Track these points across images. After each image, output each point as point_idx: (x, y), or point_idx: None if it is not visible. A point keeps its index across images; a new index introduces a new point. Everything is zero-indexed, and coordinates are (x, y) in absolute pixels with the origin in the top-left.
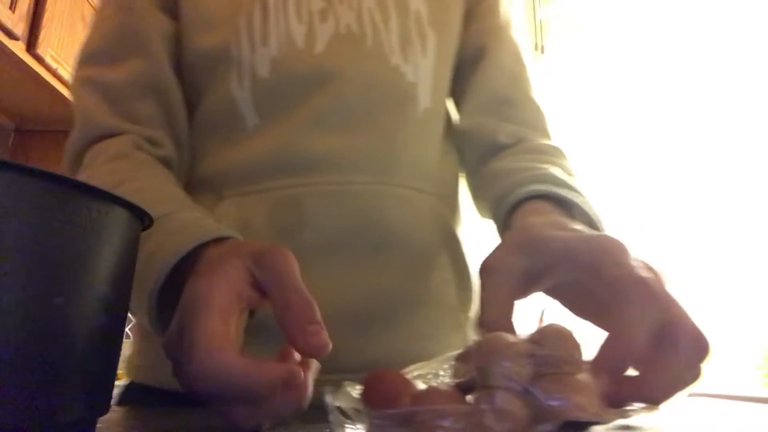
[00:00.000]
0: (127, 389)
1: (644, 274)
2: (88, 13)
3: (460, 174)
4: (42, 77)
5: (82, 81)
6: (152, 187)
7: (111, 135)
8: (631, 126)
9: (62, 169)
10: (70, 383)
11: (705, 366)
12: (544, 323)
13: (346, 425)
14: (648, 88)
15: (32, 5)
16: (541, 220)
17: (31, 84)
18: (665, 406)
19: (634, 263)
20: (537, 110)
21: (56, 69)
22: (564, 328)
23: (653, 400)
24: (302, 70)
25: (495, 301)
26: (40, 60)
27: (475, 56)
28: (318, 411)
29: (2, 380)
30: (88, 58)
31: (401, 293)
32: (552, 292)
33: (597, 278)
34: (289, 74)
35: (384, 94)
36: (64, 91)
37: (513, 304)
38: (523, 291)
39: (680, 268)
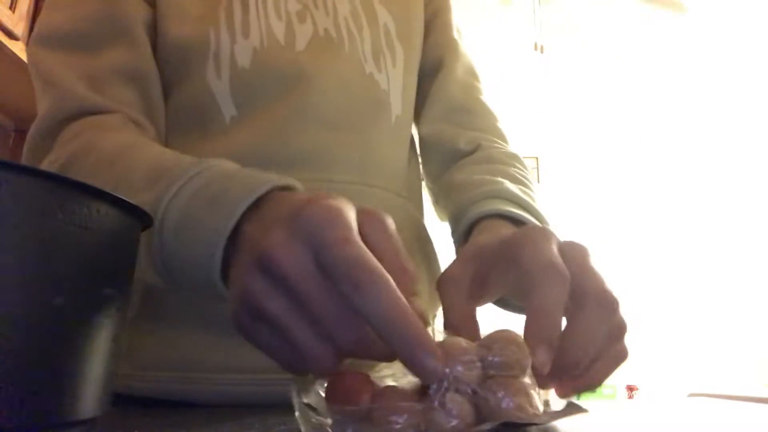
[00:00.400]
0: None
1: (553, 257)
2: None
3: (421, 179)
4: None
5: (54, 61)
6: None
7: (94, 112)
8: (630, 125)
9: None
10: (69, 383)
11: (621, 318)
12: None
13: (312, 419)
14: (647, 88)
15: (32, 5)
16: (489, 236)
17: (31, 84)
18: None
19: (547, 246)
20: (492, 116)
21: None
22: (513, 334)
23: (575, 364)
24: (284, 65)
25: (455, 305)
26: None
27: (434, 68)
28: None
29: (2, 380)
30: (59, 41)
31: None
32: (502, 303)
33: (517, 269)
34: (271, 67)
35: (361, 98)
36: None
37: (473, 309)
38: (477, 297)
39: (680, 268)
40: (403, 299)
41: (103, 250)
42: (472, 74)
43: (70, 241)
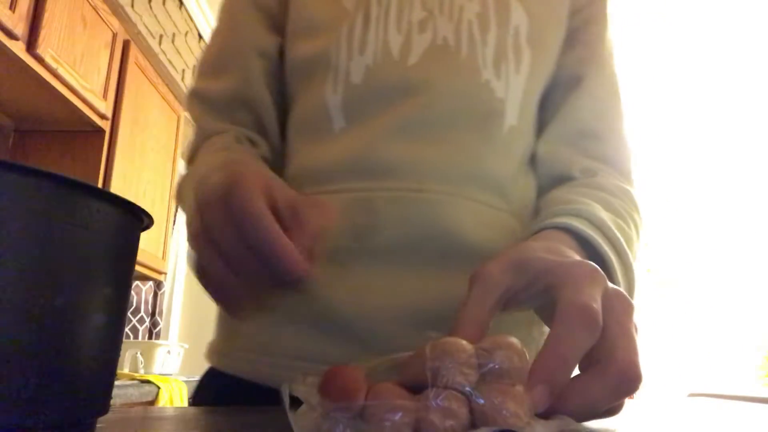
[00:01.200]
0: (207, 374)
1: (593, 303)
2: (88, 13)
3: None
4: (42, 77)
5: (191, 93)
6: (238, 151)
7: (217, 134)
8: (630, 125)
9: (62, 168)
10: (69, 383)
11: (627, 400)
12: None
13: (304, 417)
14: (647, 88)
15: (32, 5)
16: (539, 244)
17: (31, 84)
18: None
19: (591, 290)
20: (620, 147)
21: (56, 69)
22: (516, 343)
23: (569, 414)
24: (393, 80)
25: (474, 307)
26: (40, 60)
27: (570, 83)
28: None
29: (2, 380)
30: (199, 70)
31: None
32: (538, 312)
33: (554, 300)
34: (380, 83)
35: (470, 108)
36: (64, 91)
37: (490, 315)
38: (505, 305)
39: (681, 268)
40: (276, 229)
41: (104, 250)
42: (613, 97)
43: (70, 241)
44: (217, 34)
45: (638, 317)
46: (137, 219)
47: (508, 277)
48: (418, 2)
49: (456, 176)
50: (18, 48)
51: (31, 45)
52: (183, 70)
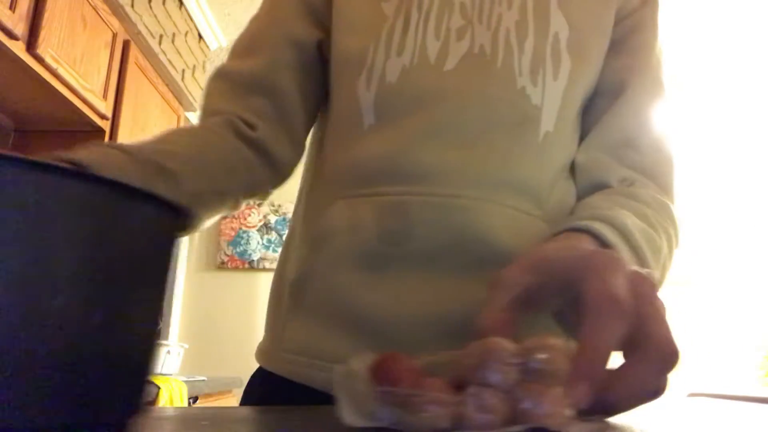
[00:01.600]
0: (256, 373)
1: (617, 290)
2: (88, 13)
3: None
4: (42, 77)
5: (216, 71)
6: (167, 141)
7: (213, 115)
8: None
9: None
10: (112, 383)
11: (671, 376)
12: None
13: (354, 406)
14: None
15: (32, 5)
16: (555, 244)
17: (31, 84)
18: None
19: (614, 278)
20: (661, 160)
21: (56, 69)
22: (557, 342)
23: (617, 406)
24: (428, 83)
25: (494, 309)
26: (40, 60)
27: (615, 91)
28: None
29: (46, 380)
30: (230, 51)
31: None
32: (557, 318)
33: (579, 294)
34: (415, 84)
35: (505, 115)
36: (64, 91)
37: (514, 316)
38: (525, 306)
39: (680, 268)
40: None
41: (145, 251)
42: (657, 108)
43: (115, 243)
44: (255, 18)
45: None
46: (175, 217)
47: (525, 277)
48: (458, 10)
49: (490, 182)
50: (18, 48)
51: (31, 45)
52: (183, 70)
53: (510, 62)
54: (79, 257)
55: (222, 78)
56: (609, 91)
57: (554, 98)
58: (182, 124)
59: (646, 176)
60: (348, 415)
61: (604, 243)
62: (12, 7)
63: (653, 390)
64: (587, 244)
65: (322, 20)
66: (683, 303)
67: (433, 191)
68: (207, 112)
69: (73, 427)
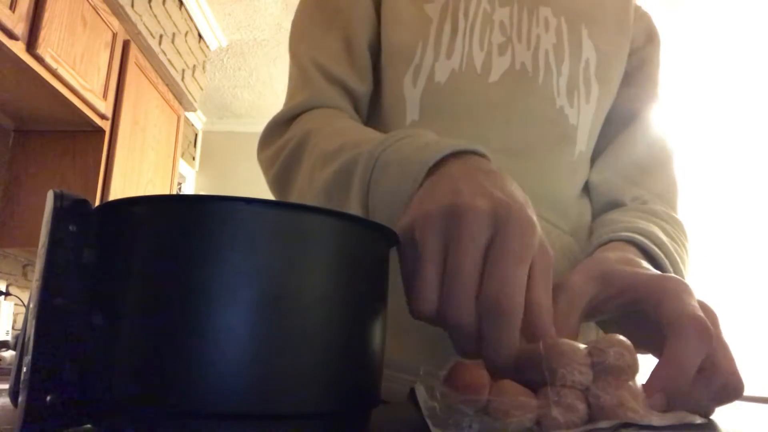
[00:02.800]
0: None
1: (700, 313)
2: (88, 13)
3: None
4: (42, 77)
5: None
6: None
7: (323, 107)
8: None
9: (61, 168)
10: (358, 380)
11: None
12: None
13: (437, 413)
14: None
15: (32, 5)
16: (614, 255)
17: (31, 84)
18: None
19: (692, 302)
20: (670, 184)
21: (56, 69)
22: (625, 340)
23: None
24: (475, 91)
25: (563, 317)
26: (40, 60)
27: (626, 117)
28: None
29: (311, 370)
30: (301, 27)
31: None
32: (612, 323)
33: (657, 311)
34: (463, 89)
35: (547, 131)
36: (64, 91)
37: (579, 323)
38: (588, 314)
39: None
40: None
41: (377, 270)
42: (665, 136)
43: (361, 268)
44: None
45: None
46: (386, 238)
47: (592, 287)
48: (498, 26)
49: (530, 194)
50: (18, 48)
51: (31, 45)
52: (183, 70)
53: (550, 82)
54: (334, 280)
55: (317, 66)
56: (620, 118)
57: (587, 120)
58: (182, 124)
59: (657, 196)
60: (434, 427)
61: (647, 253)
62: (12, 7)
63: (703, 414)
64: (633, 255)
65: (378, 10)
66: (730, 345)
67: None
68: (327, 102)
69: (329, 415)
